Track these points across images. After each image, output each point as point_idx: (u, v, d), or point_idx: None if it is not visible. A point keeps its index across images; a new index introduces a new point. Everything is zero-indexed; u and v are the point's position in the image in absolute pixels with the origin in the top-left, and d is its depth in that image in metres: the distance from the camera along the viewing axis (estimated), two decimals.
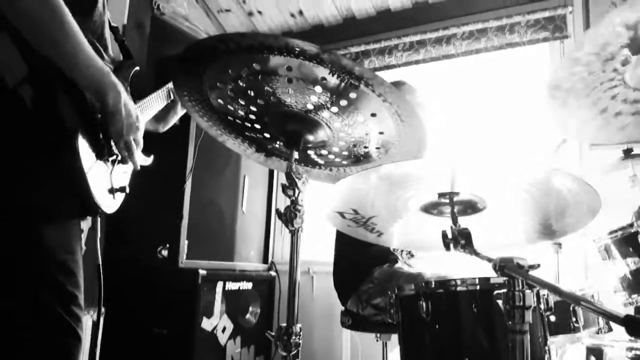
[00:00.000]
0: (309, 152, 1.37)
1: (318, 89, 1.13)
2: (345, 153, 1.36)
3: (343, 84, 1.10)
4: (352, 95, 1.13)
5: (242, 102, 1.23)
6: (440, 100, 3.11)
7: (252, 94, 1.19)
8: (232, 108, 1.27)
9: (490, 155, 1.03)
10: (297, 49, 1.04)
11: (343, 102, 1.16)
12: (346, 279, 2.24)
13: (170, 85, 1.71)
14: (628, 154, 1.96)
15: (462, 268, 1.84)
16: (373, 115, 1.19)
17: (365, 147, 1.33)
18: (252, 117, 1.28)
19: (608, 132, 1.40)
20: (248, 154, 1.47)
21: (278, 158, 1.47)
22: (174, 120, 1.86)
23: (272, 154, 1.46)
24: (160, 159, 1.62)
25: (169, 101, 1.76)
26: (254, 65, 1.11)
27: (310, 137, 1.27)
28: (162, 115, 1.76)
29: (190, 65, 1.18)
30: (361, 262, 2.16)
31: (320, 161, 1.42)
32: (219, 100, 1.26)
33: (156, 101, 1.68)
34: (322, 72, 1.08)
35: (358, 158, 1.38)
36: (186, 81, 1.24)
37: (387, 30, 3.42)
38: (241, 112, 1.27)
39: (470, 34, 3.13)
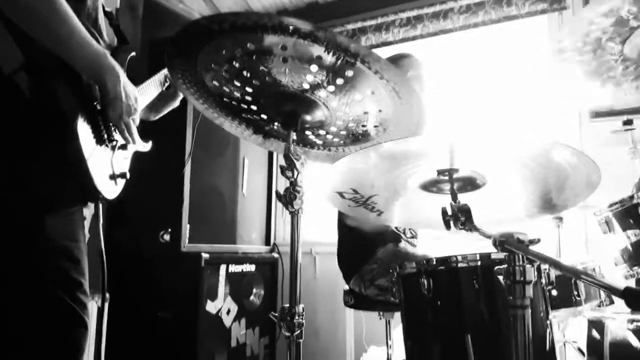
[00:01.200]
0: (307, 132, 1.35)
1: (314, 67, 1.11)
2: (344, 133, 1.35)
3: (339, 62, 1.09)
4: (349, 73, 1.12)
5: (238, 84, 1.22)
6: (438, 75, 3.07)
7: (247, 74, 1.17)
8: (227, 90, 1.25)
9: (489, 131, 1.01)
10: (292, 27, 1.03)
11: (339, 81, 1.14)
12: (350, 258, 2.25)
13: (165, 71, 1.69)
14: (628, 125, 1.95)
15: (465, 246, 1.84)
16: (371, 93, 1.18)
17: (364, 126, 1.32)
18: (248, 98, 1.26)
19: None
20: (246, 136, 1.46)
21: (276, 139, 1.46)
22: (166, 110, 1.83)
23: (270, 136, 1.45)
24: (158, 143, 1.61)
25: (164, 88, 1.74)
26: (248, 45, 1.09)
27: (308, 118, 1.26)
28: (153, 104, 1.74)
29: (184, 46, 1.16)
30: (364, 241, 2.16)
31: (319, 141, 1.41)
32: (214, 82, 1.24)
33: (153, 86, 1.67)
34: (317, 50, 1.06)
35: (356, 137, 1.37)
36: (180, 63, 1.22)
37: (383, 5, 3.37)
38: (237, 94, 1.26)
39: (468, 8, 3.08)
